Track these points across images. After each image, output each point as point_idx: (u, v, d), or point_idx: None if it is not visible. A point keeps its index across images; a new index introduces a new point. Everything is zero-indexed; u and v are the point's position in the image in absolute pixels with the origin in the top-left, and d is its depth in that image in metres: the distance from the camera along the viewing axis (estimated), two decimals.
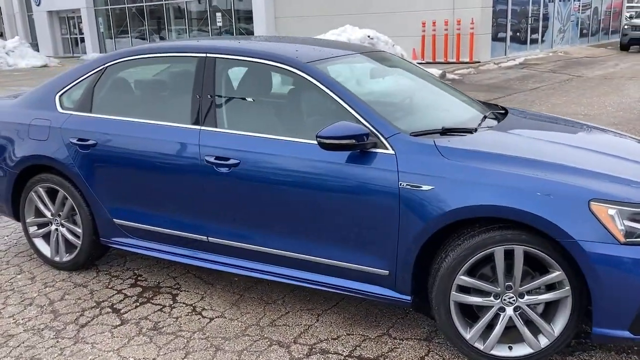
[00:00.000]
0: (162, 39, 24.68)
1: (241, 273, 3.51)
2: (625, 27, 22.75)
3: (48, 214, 4.19)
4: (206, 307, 3.64)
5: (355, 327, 3.37)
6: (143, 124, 3.70)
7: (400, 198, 2.94)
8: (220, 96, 3.56)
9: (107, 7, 28.53)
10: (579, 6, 24.07)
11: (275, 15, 21.83)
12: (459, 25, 17.63)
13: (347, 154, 3.09)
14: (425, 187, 2.88)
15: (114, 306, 3.70)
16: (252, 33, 22.92)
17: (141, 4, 27.17)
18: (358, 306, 3.60)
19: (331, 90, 3.22)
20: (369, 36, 13.59)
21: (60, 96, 4.10)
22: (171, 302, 3.72)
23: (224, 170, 3.38)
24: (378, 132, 3.07)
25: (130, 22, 28.06)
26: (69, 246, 4.20)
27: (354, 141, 2.97)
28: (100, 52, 28.85)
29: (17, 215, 4.37)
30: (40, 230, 4.28)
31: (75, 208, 4.02)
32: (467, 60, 18.01)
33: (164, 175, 3.59)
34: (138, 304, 3.72)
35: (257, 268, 3.48)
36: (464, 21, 17.56)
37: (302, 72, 3.33)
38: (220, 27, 22.87)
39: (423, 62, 17.68)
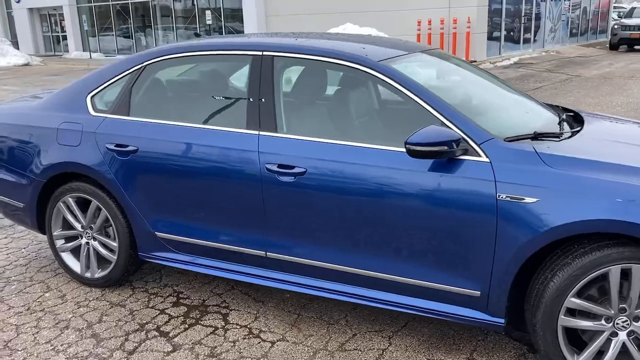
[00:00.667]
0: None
1: (305, 292, 3.21)
2: (615, 26, 22.78)
3: (78, 226, 3.83)
4: (263, 329, 3.32)
5: (435, 351, 3.08)
6: (191, 129, 3.38)
7: (498, 211, 2.65)
8: (280, 98, 3.23)
9: (90, 4, 27.88)
10: (569, 6, 24.06)
11: (266, 14, 21.46)
12: (455, 24, 17.43)
13: (431, 161, 2.79)
14: (528, 200, 2.60)
15: (161, 329, 3.36)
16: (242, 32, 22.51)
17: (126, 1, 26.59)
18: (430, 327, 3.31)
19: (412, 91, 2.93)
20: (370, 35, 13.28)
21: (92, 98, 3.75)
22: (223, 324, 3.39)
23: (287, 179, 3.06)
24: (469, 137, 2.78)
25: (114, 19, 27.42)
26: (102, 261, 3.85)
27: (446, 148, 2.68)
28: (84, 51, 28.20)
29: (42, 227, 4.00)
30: (69, 244, 3.92)
31: (110, 220, 3.66)
32: (464, 59, 17.80)
33: (216, 184, 3.26)
34: (187, 325, 3.38)
35: (321, 286, 3.17)
36: (460, 20, 17.37)
37: (377, 71, 3.03)
38: (209, 25, 22.40)
39: None
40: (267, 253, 3.25)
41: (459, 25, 17.38)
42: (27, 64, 24.98)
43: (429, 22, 17.83)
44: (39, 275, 4.10)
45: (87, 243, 3.85)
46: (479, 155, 2.75)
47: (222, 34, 23.70)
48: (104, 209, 3.68)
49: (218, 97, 3.47)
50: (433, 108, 2.88)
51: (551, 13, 22.55)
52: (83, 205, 3.80)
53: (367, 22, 16.75)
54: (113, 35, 27.99)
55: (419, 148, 2.68)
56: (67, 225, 3.92)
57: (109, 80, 3.73)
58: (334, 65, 3.20)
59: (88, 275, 3.88)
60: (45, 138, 3.78)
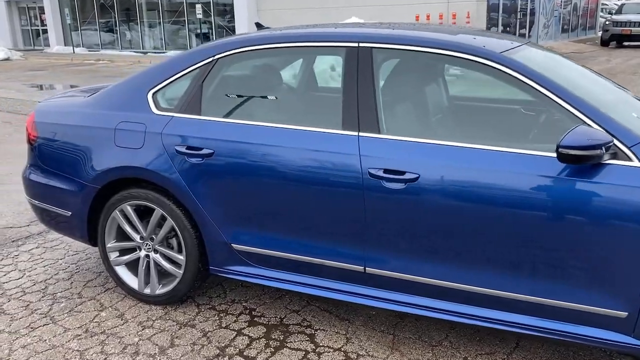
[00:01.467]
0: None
1: (412, 312, 2.87)
2: (607, 22, 22.82)
3: (136, 237, 3.44)
4: (361, 353, 2.99)
5: None
6: (276, 130, 3.01)
7: None
8: (381, 95, 2.88)
9: None
10: (561, 2, 24.03)
11: (257, 8, 21.01)
12: (454, 20, 17.20)
13: (572, 167, 2.47)
14: None
15: (244, 353, 3.00)
16: (232, 27, 22.03)
17: None
18: (546, 348, 3.00)
19: (546, 88, 2.60)
20: None
21: (154, 95, 3.36)
22: (312, 346, 3.05)
23: (396, 186, 2.72)
24: (619, 139, 2.47)
25: (98, 13, 26.69)
26: (163, 276, 3.47)
27: (599, 152, 2.36)
28: (65, 45, 27.43)
29: (92, 238, 3.60)
30: (124, 257, 3.53)
31: (177, 230, 3.29)
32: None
33: (306, 191, 2.91)
34: (272, 349, 3.03)
35: (431, 306, 2.84)
36: (459, 14, 17.15)
37: (502, 65, 2.70)
38: (200, 19, 21.87)
39: None
40: (367, 268, 2.91)
41: (458, 20, 17.16)
42: (7, 59, 24.21)
43: (427, 16, 17.58)
44: (88, 291, 3.70)
45: (147, 256, 3.46)
46: (630, 160, 2.43)
47: (211, 29, 23.18)
48: (169, 218, 3.30)
49: (305, 94, 3.10)
50: (573, 106, 2.55)
51: (545, 9, 22.47)
52: (143, 214, 3.40)
53: (364, 16, 16.42)
54: (96, 29, 27.25)
55: (573, 152, 2.36)
56: (122, 236, 3.54)
57: (173, 76, 3.35)
58: (446, 58, 2.86)
59: (147, 291, 3.49)
60: (100, 140, 3.39)
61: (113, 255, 3.56)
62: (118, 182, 3.42)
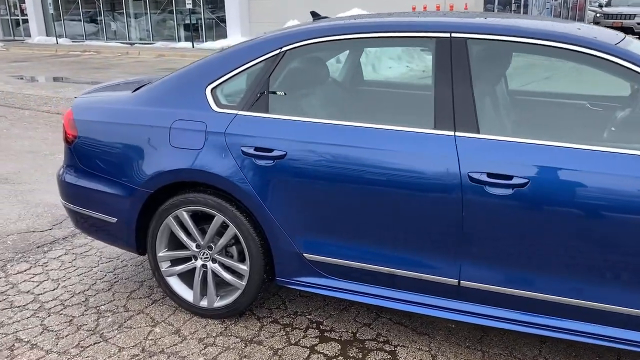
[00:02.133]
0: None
1: (517, 329, 2.62)
2: (597, 15, 22.78)
3: (192, 245, 3.15)
4: None
5: None
6: (357, 130, 2.75)
7: None
8: (478, 90, 2.62)
9: None
10: None
11: None
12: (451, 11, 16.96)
13: None
14: None
15: None
16: (222, 18, 21.60)
17: None
18: None
19: None
20: None
21: (213, 90, 3.06)
22: None
23: (501, 191, 2.47)
24: None
25: (82, 3, 26.01)
26: (222, 287, 3.18)
27: None
28: (48, 35, 26.72)
29: (140, 247, 3.30)
30: (177, 267, 3.24)
31: (241, 238, 3.01)
32: None
33: (393, 197, 2.65)
34: None
35: (537, 322, 2.60)
36: (457, 6, 16.93)
37: (619, 58, 2.46)
38: (190, 10, 21.38)
39: None
40: (462, 281, 2.65)
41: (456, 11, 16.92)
42: None
43: (424, 8, 17.33)
44: (133, 304, 3.39)
45: (204, 266, 3.17)
46: None
47: (201, 20, 22.70)
48: (232, 225, 3.01)
49: (387, 89, 2.82)
50: None
51: (537, 0, 22.38)
52: (197, 220, 3.12)
53: (361, 7, 16.12)
54: (80, 19, 26.57)
55: None
56: (174, 245, 3.24)
57: (234, 69, 3.05)
58: (552, 51, 2.60)
59: (204, 304, 3.20)
60: (153, 140, 3.08)
61: (164, 265, 3.26)
62: (171, 186, 3.11)
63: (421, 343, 2.96)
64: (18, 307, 3.38)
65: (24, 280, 3.70)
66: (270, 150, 2.84)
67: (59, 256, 4.05)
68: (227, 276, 3.13)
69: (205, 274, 3.19)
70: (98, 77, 14.79)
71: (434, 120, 2.64)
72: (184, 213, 3.10)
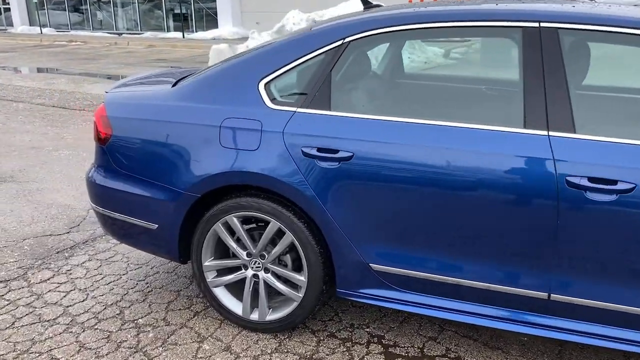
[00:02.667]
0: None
1: (616, 347, 2.39)
2: None
3: (243, 254, 2.88)
4: None
5: None
6: (435, 128, 2.50)
7: None
8: (573, 86, 2.38)
9: None
10: None
11: None
12: None
13: None
14: None
15: None
16: (213, 9, 21.17)
17: None
18: None
19: None
20: None
21: (266, 85, 2.78)
22: None
23: (604, 197, 2.25)
24: None
25: None
26: (272, 299, 2.93)
27: None
28: (31, 25, 26.10)
29: (184, 255, 3.03)
30: (226, 277, 2.98)
31: (298, 247, 2.75)
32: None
33: (476, 203, 2.42)
34: None
35: (624, 338, 2.37)
36: None
37: None
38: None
39: None
40: (552, 295, 2.43)
41: None
42: None
43: None
44: (174, 317, 3.13)
45: (255, 276, 2.91)
46: None
47: (190, 9, 22.25)
48: (288, 232, 2.75)
49: (465, 83, 2.57)
50: None
51: None
52: (251, 226, 2.86)
53: None
54: (64, 8, 25.97)
55: None
56: (220, 253, 2.98)
57: (290, 63, 2.79)
58: None
59: (255, 317, 2.95)
60: (200, 139, 2.81)
61: (210, 276, 3.00)
62: (220, 190, 2.85)
63: (496, 359, 2.73)
64: (48, 321, 3.10)
65: (49, 290, 3.41)
66: (336, 152, 2.59)
67: (83, 262, 3.76)
68: (281, 287, 2.87)
69: (256, 284, 2.93)
70: (89, 68, 14.38)
71: (524, 119, 2.40)
72: (235, 219, 2.84)
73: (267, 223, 2.80)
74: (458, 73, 2.90)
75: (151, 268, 3.68)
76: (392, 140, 2.51)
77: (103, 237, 4.14)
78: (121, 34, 23.53)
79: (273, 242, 2.86)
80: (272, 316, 2.93)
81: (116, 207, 3.12)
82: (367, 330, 2.99)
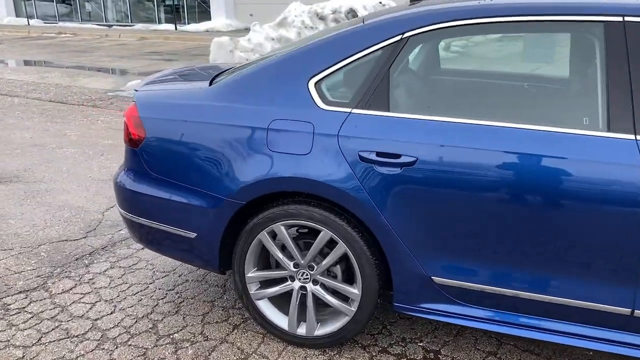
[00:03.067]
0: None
1: None
2: None
3: (290, 265, 2.69)
4: None
5: None
6: (508, 132, 2.31)
7: None
8: None
9: None
10: None
11: None
12: None
13: None
14: None
15: None
16: (206, 1, 20.85)
17: None
18: None
19: None
20: (380, 2, 12.22)
21: (317, 84, 2.58)
22: None
23: None
24: None
25: None
26: (320, 312, 2.74)
27: None
28: (17, 16, 25.56)
29: (224, 266, 2.83)
30: (271, 290, 2.79)
31: (352, 258, 2.57)
32: None
33: (559, 212, 2.23)
34: None
35: None
36: None
37: None
38: None
39: None
40: (636, 311, 2.25)
41: None
42: None
43: None
44: (212, 330, 2.93)
45: (303, 288, 2.71)
46: None
47: (183, 0, 21.90)
48: (342, 242, 2.55)
49: (542, 84, 2.39)
50: None
51: None
52: (300, 236, 2.67)
53: None
54: (52, 0, 25.46)
55: None
56: (263, 263, 2.78)
57: (343, 59, 2.59)
58: None
59: (302, 332, 2.76)
60: (245, 143, 2.61)
61: (254, 287, 2.79)
62: (266, 197, 2.65)
63: None
64: (77, 336, 2.88)
65: (73, 302, 3.20)
66: (397, 156, 2.39)
67: (105, 270, 3.54)
68: (332, 300, 2.68)
69: (303, 297, 2.73)
70: (82, 60, 14.05)
71: (607, 121, 2.22)
72: (282, 228, 2.63)
73: (315, 231, 2.60)
74: (520, 70, 2.71)
75: (179, 276, 3.47)
76: (463, 144, 2.33)
77: (123, 242, 3.93)
78: (111, 25, 23.12)
79: (321, 252, 2.66)
80: (321, 331, 2.74)
81: (149, 214, 2.91)
82: (421, 344, 2.81)
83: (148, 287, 3.36)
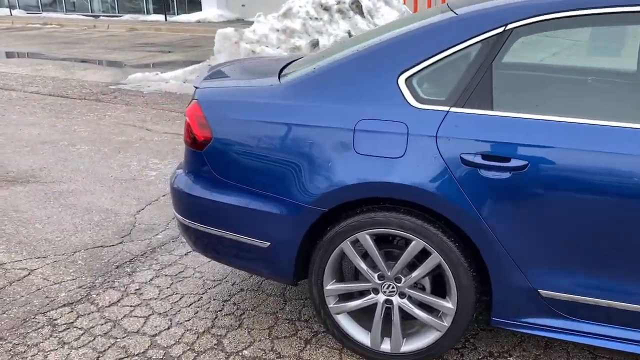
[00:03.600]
0: None
1: None
2: None
3: (375, 276, 2.48)
4: None
5: None
6: (630, 132, 2.10)
7: None
8: None
9: None
10: None
11: None
12: None
13: None
14: None
15: None
16: None
17: None
18: None
19: None
20: None
21: (408, 80, 2.36)
22: None
23: None
24: None
25: None
26: (405, 327, 2.54)
27: None
28: (9, 8, 24.88)
29: (298, 277, 2.62)
30: (353, 303, 2.59)
31: (448, 269, 2.37)
32: None
33: None
34: None
35: None
36: None
37: None
38: None
39: None
40: None
41: None
42: None
43: None
44: (283, 347, 2.72)
45: (388, 301, 2.50)
46: None
47: None
48: (436, 252, 2.34)
49: None
50: None
51: None
52: (385, 245, 2.47)
53: None
54: None
55: None
56: (341, 275, 2.57)
57: (436, 53, 2.37)
58: None
59: (386, 348, 2.56)
60: (329, 145, 2.39)
61: (332, 301, 2.58)
62: (350, 204, 2.43)
63: None
64: (137, 355, 2.65)
65: (124, 316, 2.96)
66: (507, 159, 2.19)
67: (150, 280, 3.31)
68: (422, 315, 2.48)
69: (388, 311, 2.52)
70: (74, 52, 13.66)
71: None
72: (367, 237, 2.42)
73: (404, 240, 2.40)
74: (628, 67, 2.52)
75: (232, 285, 3.25)
76: (583, 147, 2.12)
77: (162, 247, 3.69)
78: (98, 16, 22.59)
79: (411, 264, 2.45)
80: (408, 347, 2.55)
81: (214, 221, 2.68)
82: (511, 359, 2.62)
83: (202, 297, 3.13)
